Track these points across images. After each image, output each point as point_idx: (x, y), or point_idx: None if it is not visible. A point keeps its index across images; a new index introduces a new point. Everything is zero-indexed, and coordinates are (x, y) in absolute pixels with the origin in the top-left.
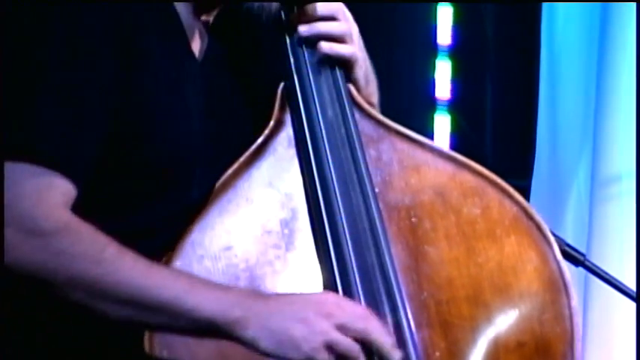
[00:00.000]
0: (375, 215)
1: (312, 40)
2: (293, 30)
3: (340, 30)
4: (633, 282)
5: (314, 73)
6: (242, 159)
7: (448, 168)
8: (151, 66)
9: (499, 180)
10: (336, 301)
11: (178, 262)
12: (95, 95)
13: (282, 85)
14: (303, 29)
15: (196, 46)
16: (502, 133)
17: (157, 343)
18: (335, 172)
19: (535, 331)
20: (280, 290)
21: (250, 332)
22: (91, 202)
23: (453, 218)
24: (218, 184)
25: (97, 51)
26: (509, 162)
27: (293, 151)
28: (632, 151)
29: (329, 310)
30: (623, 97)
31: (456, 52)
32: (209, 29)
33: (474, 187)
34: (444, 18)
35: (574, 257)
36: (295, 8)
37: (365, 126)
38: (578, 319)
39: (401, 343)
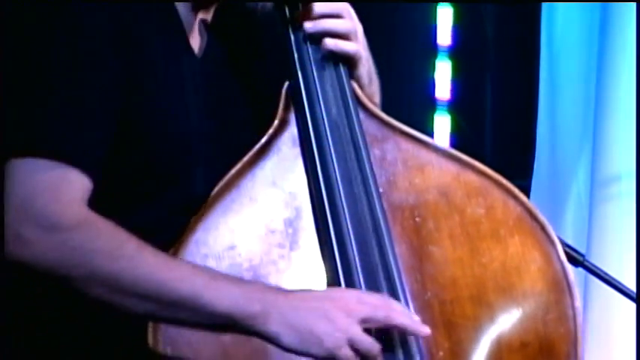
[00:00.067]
0: (379, 215)
1: (317, 37)
2: (297, 27)
3: (345, 27)
4: (633, 282)
5: (318, 71)
6: (246, 158)
7: (452, 168)
8: (151, 62)
9: (503, 180)
10: (356, 296)
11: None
12: (101, 91)
13: (286, 84)
14: (309, 25)
15: (196, 43)
16: (502, 133)
17: (160, 340)
18: (339, 172)
19: (539, 332)
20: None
21: (272, 327)
22: (93, 200)
23: (457, 218)
24: (222, 183)
25: (100, 48)
26: (509, 162)
27: (297, 151)
28: (631, 151)
29: (350, 307)
30: (622, 97)
31: (456, 52)
32: (208, 28)
33: (478, 187)
34: (444, 18)
35: (574, 257)
36: (300, 6)
37: (369, 125)
38: (581, 320)
39: (405, 342)
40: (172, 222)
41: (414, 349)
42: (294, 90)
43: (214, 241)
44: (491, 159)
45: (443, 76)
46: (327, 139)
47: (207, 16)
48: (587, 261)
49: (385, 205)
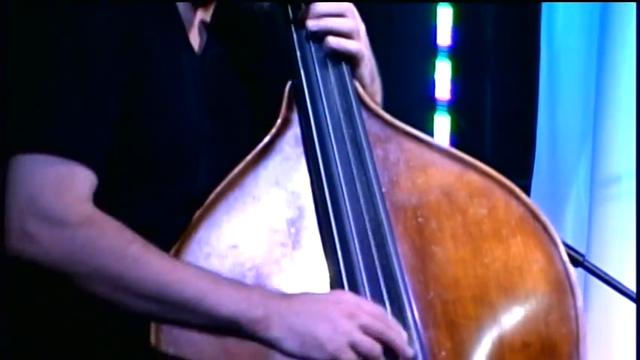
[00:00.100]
0: (382, 215)
1: (320, 36)
2: (300, 26)
3: (348, 26)
4: (633, 282)
5: (321, 70)
6: (249, 157)
7: (455, 168)
8: (151, 59)
9: (506, 180)
10: (356, 301)
11: (185, 260)
12: (106, 87)
13: (289, 83)
14: (312, 24)
15: (195, 40)
16: (502, 133)
17: (163, 340)
18: (342, 171)
19: (541, 332)
20: (286, 289)
21: (274, 332)
22: (96, 200)
23: (460, 218)
24: (225, 182)
25: (104, 44)
26: (509, 162)
27: (300, 150)
28: (631, 152)
29: (351, 310)
30: (622, 97)
31: (455, 52)
32: (208, 26)
33: (480, 188)
34: (444, 19)
35: (574, 258)
36: (303, 5)
37: (372, 125)
38: (583, 320)
39: (408, 342)
40: (172, 220)
41: (417, 349)
42: (297, 89)
43: (217, 240)
44: (492, 159)
45: (443, 77)
46: (330, 138)
47: (207, 14)
48: (587, 261)
49: (388, 205)
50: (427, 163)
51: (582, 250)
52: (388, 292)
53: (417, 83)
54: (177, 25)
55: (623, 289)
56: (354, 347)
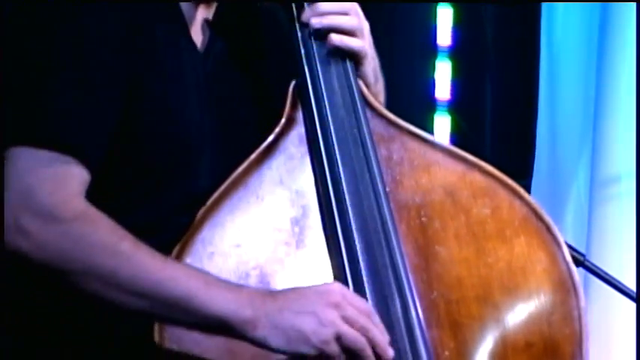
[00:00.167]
0: (387, 214)
1: (323, 34)
2: (304, 25)
3: (351, 24)
4: (633, 282)
5: (325, 69)
6: (253, 157)
7: (458, 168)
8: (153, 57)
9: (509, 180)
10: (342, 291)
11: (188, 259)
12: (106, 84)
13: (293, 82)
14: (315, 21)
15: (198, 38)
16: (502, 133)
17: (166, 337)
18: (346, 171)
19: (544, 332)
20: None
21: (260, 332)
22: (99, 198)
23: (463, 218)
24: (229, 181)
25: (104, 42)
26: (509, 162)
27: (304, 149)
28: (631, 152)
29: (336, 300)
30: (622, 97)
31: (455, 52)
32: (211, 25)
33: (484, 188)
34: (444, 19)
35: (574, 257)
36: (306, 4)
37: (376, 124)
38: (586, 320)
39: (412, 342)
40: (174, 220)
41: (422, 349)
42: (301, 88)
43: (221, 239)
44: (492, 159)
45: (443, 77)
46: (334, 137)
47: (210, 12)
48: (588, 261)
49: (391, 205)
50: (430, 163)
51: (582, 250)
52: (393, 292)
53: (417, 83)
54: (180, 23)
55: (624, 288)
56: (339, 339)
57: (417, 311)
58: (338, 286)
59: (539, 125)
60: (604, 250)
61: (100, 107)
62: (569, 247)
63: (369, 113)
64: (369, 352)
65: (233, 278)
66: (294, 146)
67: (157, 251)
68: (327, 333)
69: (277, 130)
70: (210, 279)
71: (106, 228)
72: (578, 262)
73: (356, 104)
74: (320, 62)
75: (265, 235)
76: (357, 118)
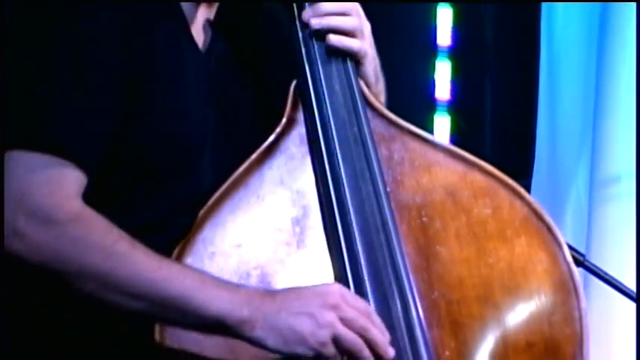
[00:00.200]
0: (387, 214)
1: (323, 34)
2: (305, 26)
3: (350, 25)
4: (633, 282)
5: (326, 69)
6: (253, 157)
7: (459, 168)
8: (154, 57)
9: (510, 180)
10: (341, 292)
11: (189, 259)
12: (104, 86)
13: (294, 82)
14: (314, 22)
15: (200, 38)
16: (502, 133)
17: (167, 336)
18: (347, 171)
19: (545, 332)
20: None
21: (258, 332)
22: (99, 199)
23: (464, 218)
24: (229, 181)
25: (103, 45)
26: (509, 163)
27: (305, 149)
28: (631, 152)
29: (334, 301)
30: (622, 97)
31: (455, 53)
32: (213, 25)
33: (484, 188)
34: (444, 19)
35: (574, 257)
36: (307, 4)
37: (377, 124)
38: (587, 321)
39: (412, 342)
40: (175, 220)
41: (422, 349)
42: (302, 88)
43: (221, 239)
44: (492, 159)
45: (443, 77)
46: (335, 137)
47: (211, 12)
48: (588, 261)
49: (392, 205)
50: (431, 163)
51: (582, 250)
52: (393, 292)
53: (416, 83)
54: (181, 23)
55: (623, 288)
56: (337, 341)
57: (418, 311)
58: (337, 287)
59: (539, 125)
60: (604, 250)
61: (98, 109)
62: (569, 247)
63: (369, 113)
64: (366, 353)
65: (234, 278)
66: (295, 146)
67: (153, 251)
68: (324, 334)
69: (278, 130)
70: (207, 279)
71: (102, 229)
72: (578, 263)
73: (357, 104)
74: (321, 62)
75: (266, 235)
76: (358, 118)
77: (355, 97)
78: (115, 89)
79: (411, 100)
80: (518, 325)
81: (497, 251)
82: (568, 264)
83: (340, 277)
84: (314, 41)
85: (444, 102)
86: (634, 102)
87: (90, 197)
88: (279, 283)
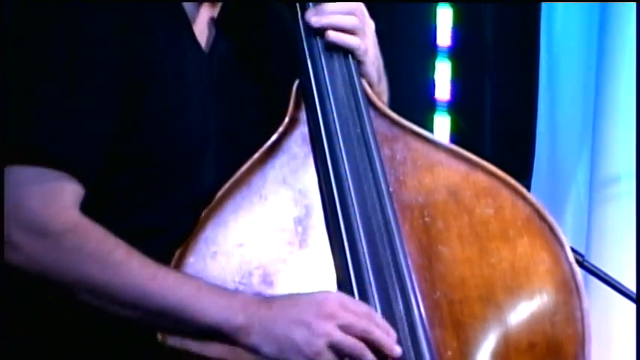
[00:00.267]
0: (390, 214)
1: (324, 33)
2: (307, 25)
3: (350, 23)
4: (633, 283)
5: (329, 68)
6: (256, 156)
7: (461, 168)
8: (157, 57)
9: (512, 180)
10: (339, 300)
11: (192, 259)
12: (101, 93)
13: (297, 82)
14: (314, 20)
15: (203, 38)
16: (501, 134)
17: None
18: (350, 170)
19: (547, 332)
20: (293, 287)
21: (253, 339)
22: (102, 201)
23: (466, 218)
24: (232, 180)
25: (100, 51)
26: (509, 162)
27: (307, 149)
28: (631, 152)
29: (331, 311)
30: (622, 97)
31: (455, 53)
32: (216, 24)
33: (487, 188)
34: (444, 19)
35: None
36: (310, 4)
37: (380, 124)
38: (589, 321)
39: (415, 342)
40: (178, 221)
41: (424, 348)
42: (305, 88)
43: (224, 239)
44: (492, 159)
45: (442, 77)
46: (338, 137)
47: (214, 11)
48: (587, 261)
49: (395, 205)
50: (434, 163)
51: (582, 250)
52: (396, 291)
53: (416, 84)
54: (183, 23)
55: (623, 289)
56: (334, 348)
57: (420, 311)
58: (335, 295)
59: (539, 125)
60: (604, 251)
61: (96, 115)
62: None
63: (372, 113)
64: (369, 356)
65: (236, 277)
66: (298, 146)
67: (150, 259)
68: (320, 344)
69: (281, 129)
70: (203, 287)
71: (98, 240)
72: (577, 263)
73: (359, 104)
74: (324, 62)
75: (268, 235)
76: (361, 118)
77: (358, 96)
78: (113, 92)
79: (411, 101)
80: (520, 325)
81: (499, 251)
82: (570, 264)
83: (343, 277)
84: (317, 41)
85: (444, 102)
86: (634, 102)
87: (92, 200)
88: (282, 282)
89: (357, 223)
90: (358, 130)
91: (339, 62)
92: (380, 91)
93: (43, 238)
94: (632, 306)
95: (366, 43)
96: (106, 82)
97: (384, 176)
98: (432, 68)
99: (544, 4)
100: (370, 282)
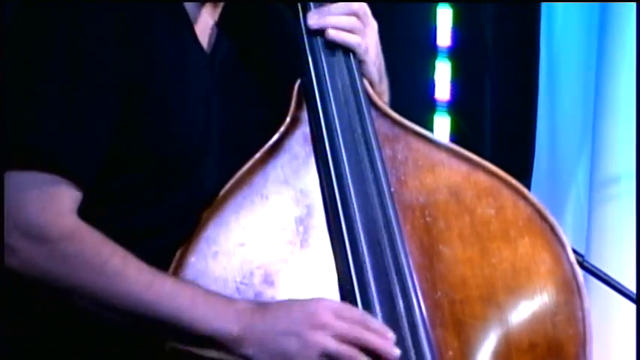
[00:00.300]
0: (391, 213)
1: (324, 33)
2: (308, 26)
3: (349, 23)
4: (633, 283)
5: (330, 69)
6: (257, 156)
7: (463, 168)
8: (155, 57)
9: (513, 181)
10: (332, 308)
11: (193, 259)
12: (101, 95)
13: (298, 82)
14: (315, 21)
15: (204, 38)
16: (501, 134)
17: None
18: (351, 170)
19: (548, 333)
20: (294, 287)
21: (247, 350)
22: (103, 201)
23: (468, 218)
24: (233, 180)
25: (101, 49)
26: (509, 162)
27: (309, 149)
28: (631, 152)
29: (324, 321)
30: (622, 97)
31: (455, 53)
32: (218, 25)
33: (488, 188)
34: (444, 19)
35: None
36: (312, 4)
37: (381, 124)
38: (590, 321)
39: (416, 342)
40: (180, 221)
41: (426, 348)
42: (307, 88)
43: (225, 239)
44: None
45: (442, 77)
46: (339, 137)
47: (216, 12)
48: (587, 262)
49: (396, 205)
50: (435, 163)
51: (582, 251)
52: (397, 291)
53: (416, 84)
54: (185, 24)
55: (623, 289)
56: (328, 357)
57: (421, 311)
58: (328, 303)
59: (539, 125)
60: (604, 251)
61: (95, 118)
62: None
63: (373, 113)
64: None
65: (237, 277)
66: (299, 145)
67: (147, 266)
68: (312, 355)
69: (282, 129)
70: (198, 295)
71: (94, 246)
72: (577, 263)
73: (361, 104)
74: (325, 62)
75: (270, 235)
76: (362, 118)
77: (359, 96)
78: (113, 94)
79: (411, 101)
80: (521, 325)
81: (500, 251)
82: (571, 264)
83: (344, 277)
84: (318, 41)
85: (443, 102)
86: (634, 102)
87: (93, 200)
88: (283, 282)
89: (358, 222)
90: (359, 130)
91: (340, 62)
92: (381, 91)
93: (40, 243)
94: (632, 306)
95: (367, 42)
96: (106, 83)
97: (385, 176)
98: (431, 68)
99: (544, 4)
100: (371, 282)
